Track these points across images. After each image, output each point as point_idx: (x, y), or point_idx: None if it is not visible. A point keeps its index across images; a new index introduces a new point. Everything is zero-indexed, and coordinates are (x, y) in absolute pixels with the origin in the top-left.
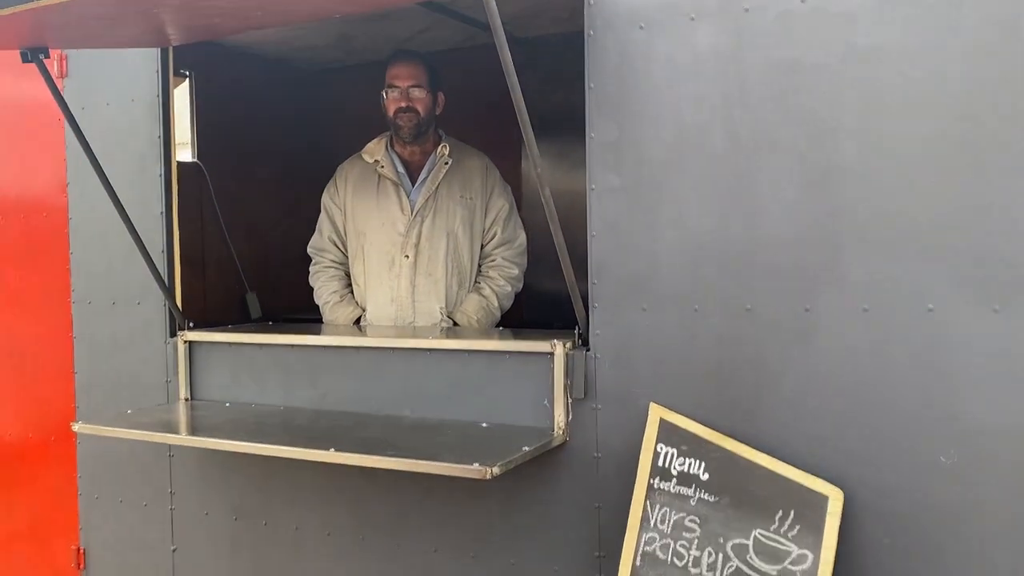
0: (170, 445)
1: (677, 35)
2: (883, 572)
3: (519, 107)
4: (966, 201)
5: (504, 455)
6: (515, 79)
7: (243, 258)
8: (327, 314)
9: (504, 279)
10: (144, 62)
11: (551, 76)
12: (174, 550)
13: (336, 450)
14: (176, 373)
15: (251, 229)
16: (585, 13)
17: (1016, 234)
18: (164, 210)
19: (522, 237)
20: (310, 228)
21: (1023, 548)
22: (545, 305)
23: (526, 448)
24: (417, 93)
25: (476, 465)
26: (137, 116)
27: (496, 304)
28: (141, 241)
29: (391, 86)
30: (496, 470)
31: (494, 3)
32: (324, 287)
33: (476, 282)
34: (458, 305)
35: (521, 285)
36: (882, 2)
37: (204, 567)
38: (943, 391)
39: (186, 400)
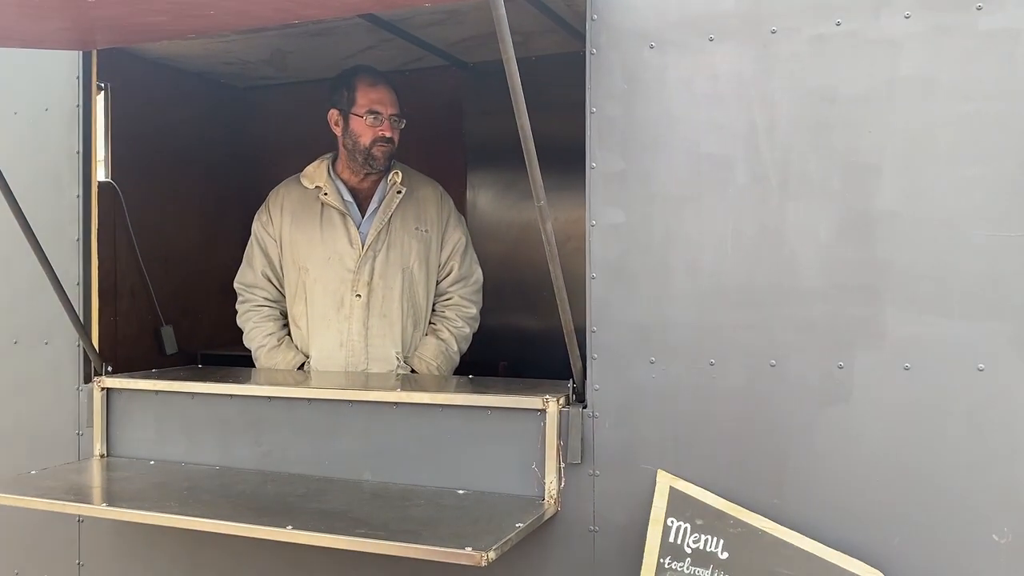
0: (79, 553)
1: (694, 56)
2: None
3: (524, 130)
4: (1020, 252)
5: (496, 533)
6: (521, 99)
7: (159, 288)
8: (263, 360)
9: (462, 320)
10: (60, 67)
11: (499, 102)
12: None
13: (294, 528)
14: (90, 425)
15: (169, 256)
16: (587, 29)
17: None
18: (81, 236)
19: (479, 273)
20: (234, 256)
21: None
22: (486, 342)
23: (520, 525)
24: (398, 123)
25: (468, 550)
26: (51, 128)
27: (455, 348)
28: (53, 271)
29: (373, 112)
30: (492, 555)
31: (503, 8)
32: (257, 329)
33: (432, 323)
34: (414, 350)
35: (477, 325)
36: (931, 29)
37: None
38: (996, 459)
39: (102, 457)
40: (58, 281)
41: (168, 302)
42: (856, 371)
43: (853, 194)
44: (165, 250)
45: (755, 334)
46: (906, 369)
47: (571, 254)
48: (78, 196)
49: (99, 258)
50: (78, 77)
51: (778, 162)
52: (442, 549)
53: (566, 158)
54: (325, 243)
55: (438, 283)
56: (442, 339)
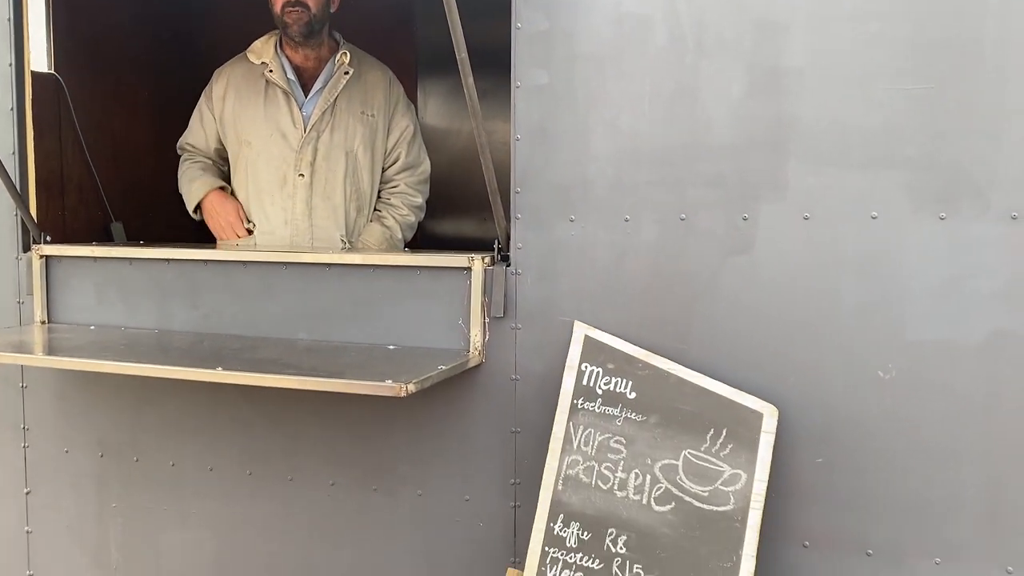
0: (23, 375)
1: None
2: (817, 491)
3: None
4: (914, 106)
5: (419, 373)
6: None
7: (109, 186)
8: (185, 186)
9: (407, 208)
10: None
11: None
12: (27, 493)
13: (223, 369)
14: (30, 293)
15: (118, 153)
16: None
17: (963, 138)
18: (15, 105)
19: (427, 163)
20: None
21: (961, 464)
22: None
23: (442, 367)
24: None
25: (388, 382)
26: None
27: (399, 236)
28: None
29: None
30: (412, 387)
31: None
32: (191, 171)
33: (377, 210)
34: (358, 235)
35: (423, 215)
36: None
37: (65, 511)
38: (885, 302)
39: (43, 323)
40: None
41: (119, 200)
42: (760, 222)
43: (764, 52)
44: (113, 148)
45: (667, 190)
46: (805, 219)
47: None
48: (10, 65)
49: (41, 150)
50: None
51: (695, 22)
52: (364, 382)
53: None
54: (268, 120)
55: (384, 170)
56: (387, 226)
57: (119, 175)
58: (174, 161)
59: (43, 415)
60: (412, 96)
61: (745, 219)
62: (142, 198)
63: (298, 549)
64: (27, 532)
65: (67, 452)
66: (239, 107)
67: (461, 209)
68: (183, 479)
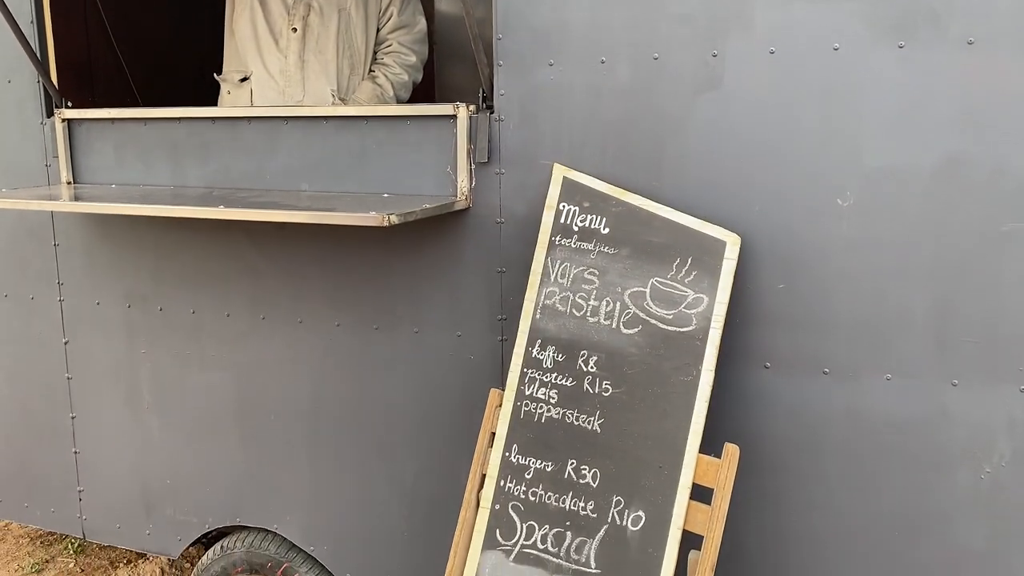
0: (54, 234)
1: None
2: (778, 315)
3: None
4: None
5: (404, 208)
6: None
7: (133, 73)
8: None
9: (400, 67)
10: None
11: None
12: (66, 343)
13: (225, 207)
14: (56, 156)
15: (140, 41)
16: None
17: None
18: None
19: (422, 23)
20: (210, 46)
21: (913, 285)
22: None
23: (427, 205)
24: None
25: (372, 213)
26: None
27: (391, 94)
28: (6, 6)
29: None
30: (394, 218)
31: None
32: None
33: (370, 70)
34: (350, 92)
35: (420, 76)
36: None
37: (99, 358)
38: (846, 131)
39: (68, 184)
40: (12, 16)
41: (143, 89)
42: (728, 58)
43: None
44: (137, 34)
45: (640, 30)
46: (771, 53)
47: None
48: None
49: (70, 32)
50: None
51: None
52: (351, 214)
53: None
54: None
55: (378, 30)
56: (378, 84)
57: (141, 62)
58: (195, 51)
59: (75, 271)
60: None
61: (714, 55)
62: (164, 87)
63: (309, 384)
64: (68, 379)
65: (98, 304)
66: None
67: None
68: (202, 325)
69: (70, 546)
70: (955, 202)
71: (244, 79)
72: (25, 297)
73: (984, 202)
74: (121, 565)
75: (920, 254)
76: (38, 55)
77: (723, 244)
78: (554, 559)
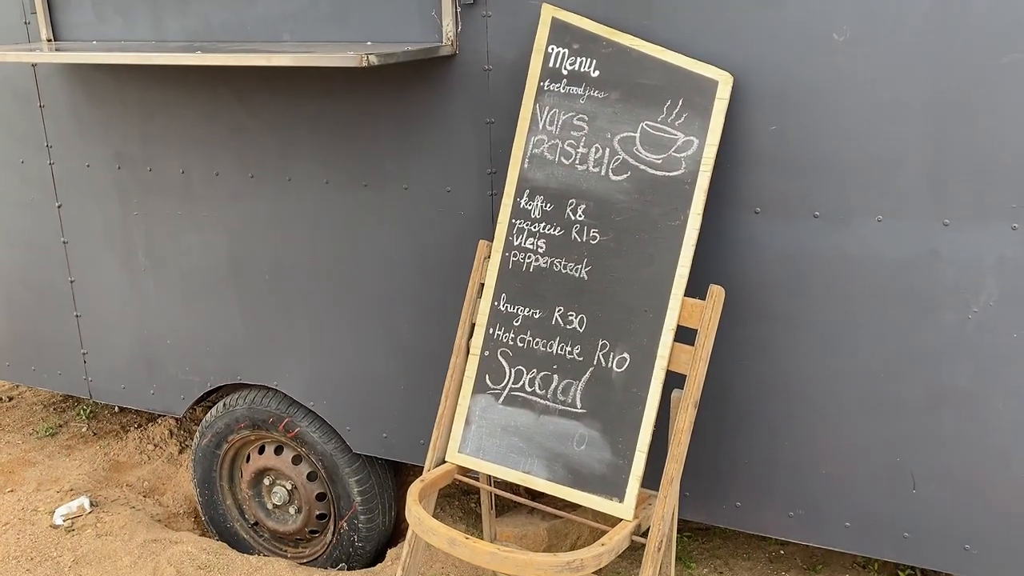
0: (39, 95)
1: None
2: (770, 158)
3: None
4: None
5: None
6: None
7: None
8: None
9: None
10: None
11: None
12: (59, 206)
13: (202, 52)
14: (34, 12)
15: None
16: None
17: None
18: None
19: None
20: None
21: (907, 122)
22: None
23: (409, 47)
24: None
25: (351, 53)
26: None
27: None
28: None
29: None
30: (373, 58)
31: None
32: None
33: None
34: None
35: None
36: None
37: (91, 220)
38: None
39: (48, 41)
40: None
41: None
42: None
43: None
44: None
45: None
46: None
47: None
48: None
49: None
50: None
51: None
52: (327, 54)
53: None
54: None
55: None
56: None
57: None
58: None
59: (62, 133)
60: None
61: None
62: None
63: (300, 241)
64: (64, 243)
65: (88, 167)
66: None
67: None
68: (192, 185)
69: (82, 412)
70: (954, 33)
71: None
72: (15, 162)
73: (984, 33)
74: (132, 429)
75: (915, 89)
76: None
77: (715, 83)
78: (541, 400)
